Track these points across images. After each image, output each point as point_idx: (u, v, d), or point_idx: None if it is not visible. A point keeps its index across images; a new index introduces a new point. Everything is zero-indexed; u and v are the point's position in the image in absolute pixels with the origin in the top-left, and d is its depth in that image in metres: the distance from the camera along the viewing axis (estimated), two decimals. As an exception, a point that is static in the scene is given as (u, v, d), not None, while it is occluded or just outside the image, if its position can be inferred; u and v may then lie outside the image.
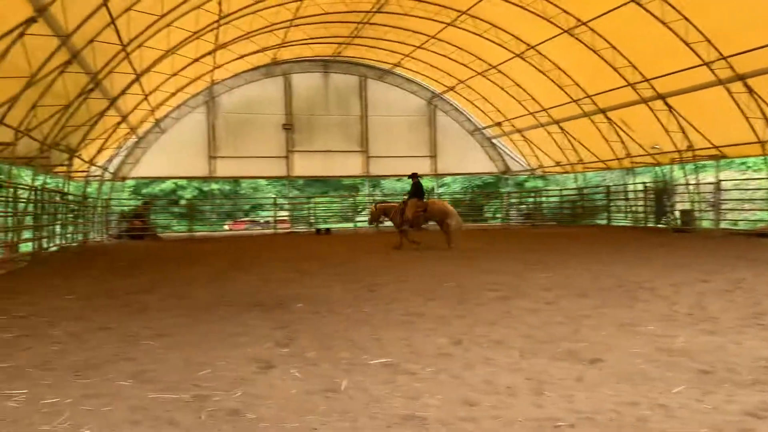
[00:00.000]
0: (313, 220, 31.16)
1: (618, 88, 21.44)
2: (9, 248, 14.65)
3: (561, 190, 32.70)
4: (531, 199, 33.77)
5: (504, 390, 4.19)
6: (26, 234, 16.26)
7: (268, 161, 30.29)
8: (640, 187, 25.39)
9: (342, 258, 14.29)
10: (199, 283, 10.20)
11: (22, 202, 15.48)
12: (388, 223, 17.79)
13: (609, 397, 3.98)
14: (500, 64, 25.50)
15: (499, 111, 29.59)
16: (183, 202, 36.06)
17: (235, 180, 38.47)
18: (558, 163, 29.31)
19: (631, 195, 26.13)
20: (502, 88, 27.20)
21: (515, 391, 4.16)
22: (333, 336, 5.94)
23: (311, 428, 3.54)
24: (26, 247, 15.99)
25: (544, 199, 33.01)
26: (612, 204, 27.65)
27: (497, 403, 3.93)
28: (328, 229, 27.76)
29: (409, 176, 17.02)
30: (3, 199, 14.63)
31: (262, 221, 36.43)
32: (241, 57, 26.04)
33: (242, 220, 37.76)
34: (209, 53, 22.62)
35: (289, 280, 10.31)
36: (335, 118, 31.17)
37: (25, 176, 18.89)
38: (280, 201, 33.61)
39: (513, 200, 34.18)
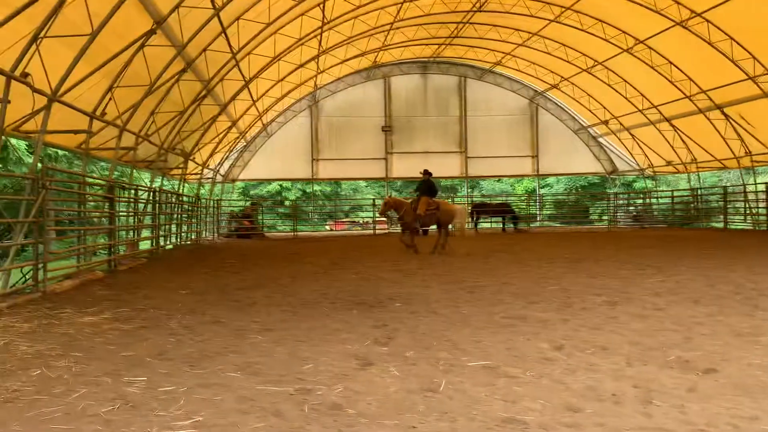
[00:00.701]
0: (411, 221, 31.27)
1: (737, 82, 20.05)
2: (131, 246, 15.76)
3: (672, 191, 31.04)
4: (640, 201, 32.26)
5: (609, 397, 4.03)
6: (145, 232, 17.42)
7: (368, 163, 30.84)
8: (761, 187, 23.59)
9: (440, 259, 14.26)
10: (303, 281, 10.53)
11: (142, 202, 16.59)
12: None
13: (725, 410, 3.73)
14: (607, 60, 24.56)
15: (605, 108, 28.52)
16: (287, 203, 37.36)
17: (336, 182, 39.38)
18: (669, 163, 27.80)
19: (751, 196, 24.33)
20: (609, 85, 26.19)
21: (621, 398, 3.99)
22: (432, 336, 5.95)
23: (410, 426, 3.57)
24: (145, 245, 17.12)
25: (654, 200, 31.43)
26: (729, 206, 25.88)
27: (602, 410, 3.79)
28: (426, 231, 27.75)
29: (421, 173, 16.02)
30: (125, 199, 15.75)
31: (361, 222, 37.07)
32: (343, 61, 26.69)
33: (343, 220, 38.59)
34: (313, 59, 23.32)
35: (388, 280, 10.43)
36: (434, 119, 31.24)
37: (145, 178, 20.27)
38: (379, 202, 33.98)
39: (620, 201, 32.81)
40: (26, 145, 21.42)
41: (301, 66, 23.69)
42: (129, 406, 3.99)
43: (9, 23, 8.49)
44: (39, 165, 10.46)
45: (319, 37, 20.99)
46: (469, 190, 36.84)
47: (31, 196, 9.82)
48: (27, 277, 9.84)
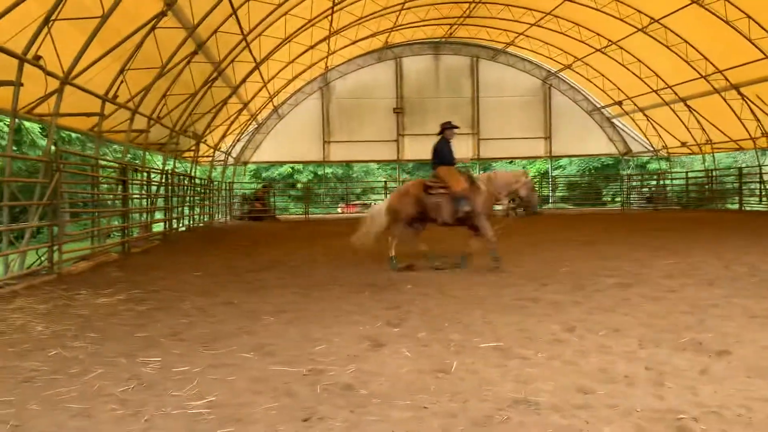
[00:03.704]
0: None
1: (754, 61, 19.65)
2: (144, 228, 15.87)
3: (687, 172, 30.70)
4: (653, 182, 31.96)
5: (621, 379, 4.02)
6: (158, 215, 17.53)
7: (379, 145, 30.70)
8: (778, 168, 23.30)
9: (450, 243, 14.20)
10: (315, 263, 10.56)
11: (155, 184, 16.67)
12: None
13: (738, 392, 3.72)
14: (621, 39, 24.18)
15: (619, 89, 28.17)
16: (299, 185, 37.39)
17: (348, 164, 39.28)
18: (684, 144, 27.47)
19: (767, 177, 24.03)
20: (623, 65, 25.82)
21: (633, 380, 3.99)
22: (443, 318, 5.96)
23: (422, 407, 3.59)
24: (158, 227, 17.23)
25: (668, 181, 31.14)
26: (745, 187, 25.57)
27: (614, 392, 3.78)
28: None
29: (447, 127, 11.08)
30: (138, 182, 15.83)
31: (373, 204, 37.05)
32: (354, 42, 26.47)
33: (354, 203, 38.59)
34: (324, 40, 23.16)
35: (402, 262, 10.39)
36: (446, 100, 30.97)
37: (157, 161, 20.34)
38: (391, 185, 33.95)
39: (634, 183, 32.52)
40: (40, 128, 21.52)
41: (312, 47, 23.54)
42: (144, 386, 4.04)
43: (20, 6, 8.49)
44: (53, 148, 10.53)
45: (330, 17, 20.82)
46: (481, 171, 36.66)
47: (45, 179, 9.89)
48: (42, 258, 9.94)
